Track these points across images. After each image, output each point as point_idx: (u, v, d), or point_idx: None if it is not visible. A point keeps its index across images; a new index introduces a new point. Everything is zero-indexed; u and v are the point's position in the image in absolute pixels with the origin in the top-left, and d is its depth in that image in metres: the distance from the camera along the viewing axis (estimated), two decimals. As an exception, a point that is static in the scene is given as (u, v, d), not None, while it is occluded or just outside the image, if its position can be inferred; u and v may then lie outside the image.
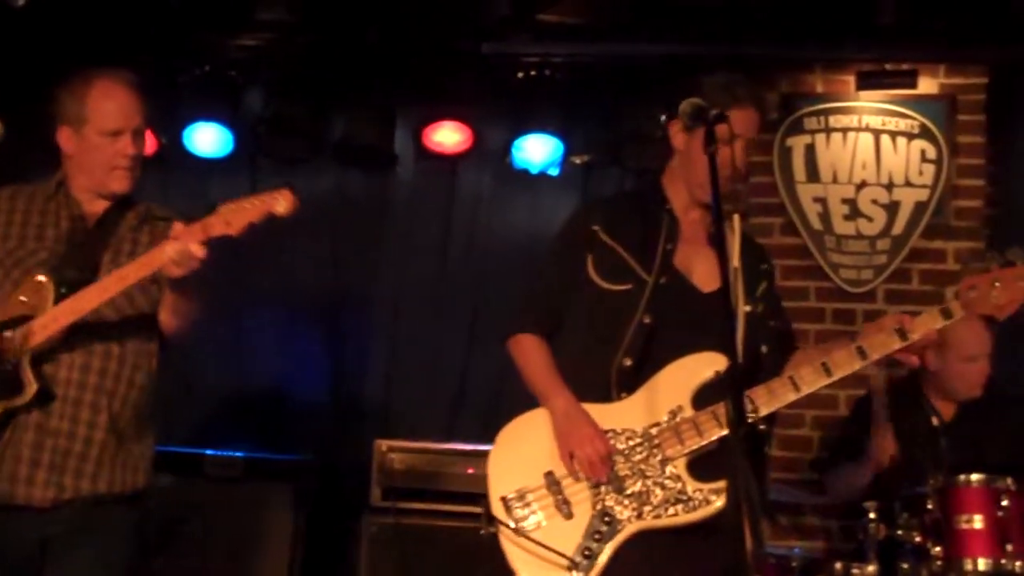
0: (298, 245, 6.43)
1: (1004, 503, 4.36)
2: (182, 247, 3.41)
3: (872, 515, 4.49)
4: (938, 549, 4.35)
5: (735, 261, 3.45)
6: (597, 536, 3.37)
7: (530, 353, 3.66)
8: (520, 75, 6.30)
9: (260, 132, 6.53)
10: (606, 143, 6.36)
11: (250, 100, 6.60)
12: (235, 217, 3.48)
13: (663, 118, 3.71)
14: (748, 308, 3.60)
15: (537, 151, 6.35)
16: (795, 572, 4.75)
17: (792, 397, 3.45)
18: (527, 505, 3.44)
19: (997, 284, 3.38)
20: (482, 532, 3.46)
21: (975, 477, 4.44)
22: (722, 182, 3.41)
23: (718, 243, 3.11)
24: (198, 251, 3.42)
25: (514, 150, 6.39)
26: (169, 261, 3.44)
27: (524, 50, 6.27)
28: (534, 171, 6.40)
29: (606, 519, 3.38)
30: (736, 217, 3.58)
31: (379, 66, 6.43)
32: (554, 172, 6.39)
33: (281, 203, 3.44)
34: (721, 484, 3.35)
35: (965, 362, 5.07)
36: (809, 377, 3.46)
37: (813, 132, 6.27)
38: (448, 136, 6.43)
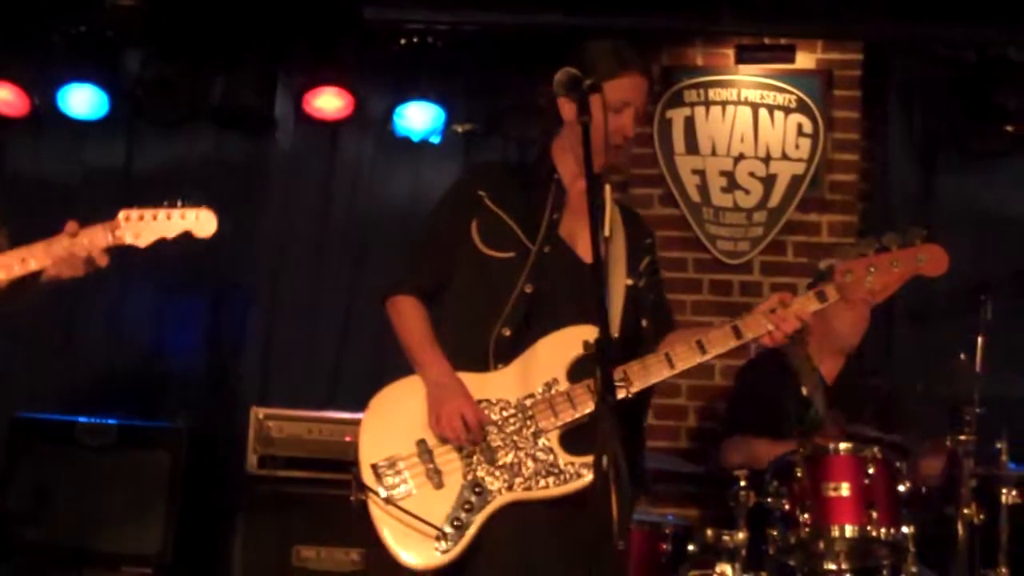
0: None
1: (870, 471, 4.46)
2: (85, 252, 3.30)
3: (743, 483, 4.57)
4: (806, 516, 4.43)
5: (606, 231, 3.43)
6: (467, 507, 3.35)
7: (407, 316, 3.60)
8: (403, 42, 6.28)
9: (137, 94, 6.43)
10: (488, 112, 6.37)
11: (127, 61, 6.48)
12: (146, 231, 3.38)
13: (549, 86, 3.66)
14: (630, 281, 3.59)
15: (418, 119, 6.34)
16: (668, 539, 4.81)
17: (667, 374, 3.44)
18: (398, 473, 3.40)
19: (872, 269, 3.40)
20: (351, 499, 3.43)
21: (843, 446, 4.54)
22: (612, 151, 3.43)
23: (592, 214, 3.11)
24: (101, 259, 3.33)
25: (395, 117, 6.37)
26: (60, 260, 3.34)
27: (407, 17, 6.24)
28: (415, 139, 6.39)
29: (477, 490, 3.36)
30: (607, 188, 3.57)
31: (260, 29, 6.36)
32: (435, 140, 6.39)
33: (203, 227, 3.35)
34: (592, 458, 3.36)
35: (847, 308, 5.17)
36: (684, 354, 3.45)
37: (693, 105, 6.33)
38: (329, 102, 6.37)
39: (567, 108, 3.51)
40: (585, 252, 3.50)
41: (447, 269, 3.62)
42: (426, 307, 3.62)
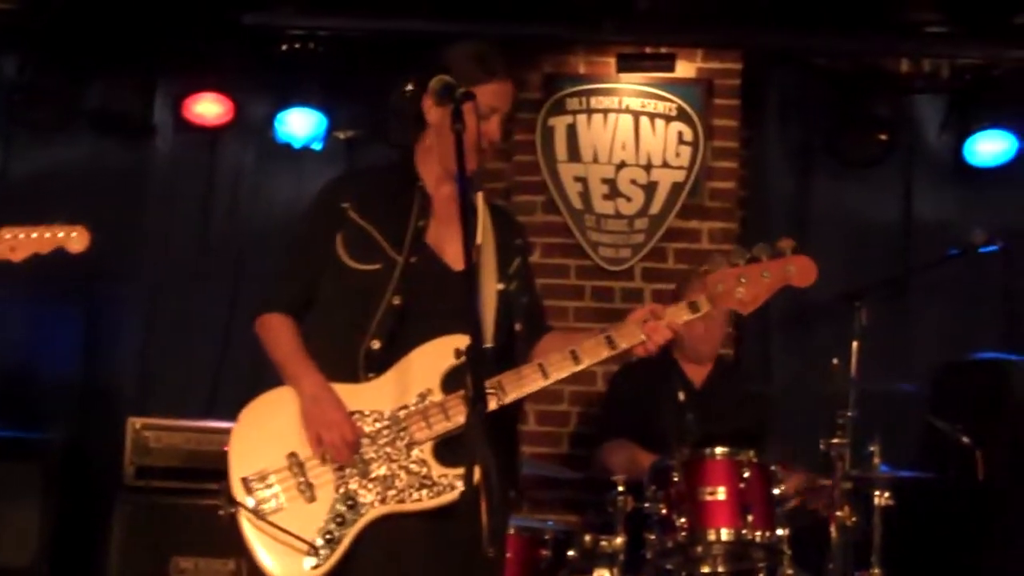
0: (51, 215, 6.20)
1: (746, 475, 4.50)
2: None
3: (620, 488, 4.60)
4: (683, 520, 4.46)
5: (479, 239, 3.42)
6: (339, 520, 3.30)
7: (277, 333, 3.56)
8: (284, 48, 6.25)
9: (13, 99, 6.32)
10: (370, 119, 6.34)
11: (3, 66, 6.37)
12: (22, 245, 3.32)
13: (412, 89, 3.61)
14: (501, 286, 3.57)
15: (300, 125, 6.30)
16: (548, 545, 4.81)
17: (541, 383, 3.41)
18: (269, 487, 3.34)
19: (743, 280, 3.41)
20: (221, 513, 3.37)
21: (719, 450, 4.58)
22: (479, 156, 3.42)
23: (464, 223, 3.09)
24: None
25: (277, 124, 6.32)
26: None
27: (288, 22, 6.21)
28: (297, 146, 6.35)
29: (349, 503, 3.31)
30: (480, 196, 3.56)
31: (139, 34, 6.27)
32: (317, 147, 6.35)
33: (76, 242, 3.28)
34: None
35: (701, 320, 5.22)
36: (558, 364, 3.42)
37: (575, 113, 6.36)
38: (208, 108, 6.32)
39: (434, 112, 3.48)
40: (453, 259, 3.48)
41: (314, 285, 3.57)
42: (295, 323, 3.57)
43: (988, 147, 6.35)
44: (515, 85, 3.60)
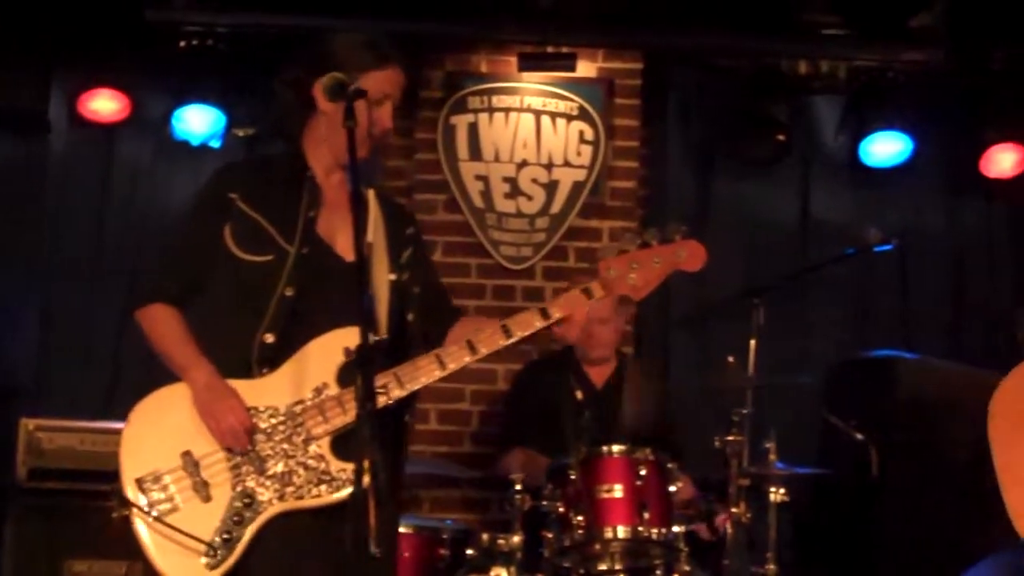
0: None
1: (643, 472, 4.52)
2: None
3: (518, 487, 4.60)
4: (580, 518, 4.47)
5: (370, 235, 3.39)
6: (236, 519, 3.26)
7: (163, 324, 3.48)
8: (182, 44, 6.15)
9: (-95, 93, 6.19)
10: (269, 116, 6.27)
11: None
12: None
13: (299, 76, 3.55)
14: (393, 276, 3.53)
15: (198, 122, 6.22)
16: (446, 544, 4.81)
17: (439, 374, 3.39)
18: (163, 487, 3.30)
19: (635, 265, 3.40)
20: (114, 515, 3.31)
21: (616, 448, 4.60)
22: (370, 144, 3.39)
23: (355, 217, 3.07)
24: None
25: (174, 121, 6.24)
26: None
27: (187, 18, 6.12)
28: (195, 143, 6.27)
29: (246, 501, 3.28)
30: (372, 192, 3.53)
31: (35, 27, 6.16)
32: (216, 144, 6.28)
33: None
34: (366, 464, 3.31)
35: (597, 324, 5.26)
36: (455, 354, 3.40)
37: (476, 111, 6.36)
38: (105, 104, 6.22)
39: (325, 103, 3.41)
40: (345, 250, 3.45)
41: (198, 276, 3.51)
42: (181, 314, 3.51)
43: (883, 148, 6.45)
44: (407, 73, 3.58)
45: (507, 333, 3.43)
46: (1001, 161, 6.46)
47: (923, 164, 6.55)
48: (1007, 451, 3.39)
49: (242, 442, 3.31)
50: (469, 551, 4.75)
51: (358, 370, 2.87)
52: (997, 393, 3.46)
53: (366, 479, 2.77)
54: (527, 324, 3.43)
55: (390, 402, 3.32)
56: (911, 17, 6.32)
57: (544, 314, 3.43)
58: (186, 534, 3.24)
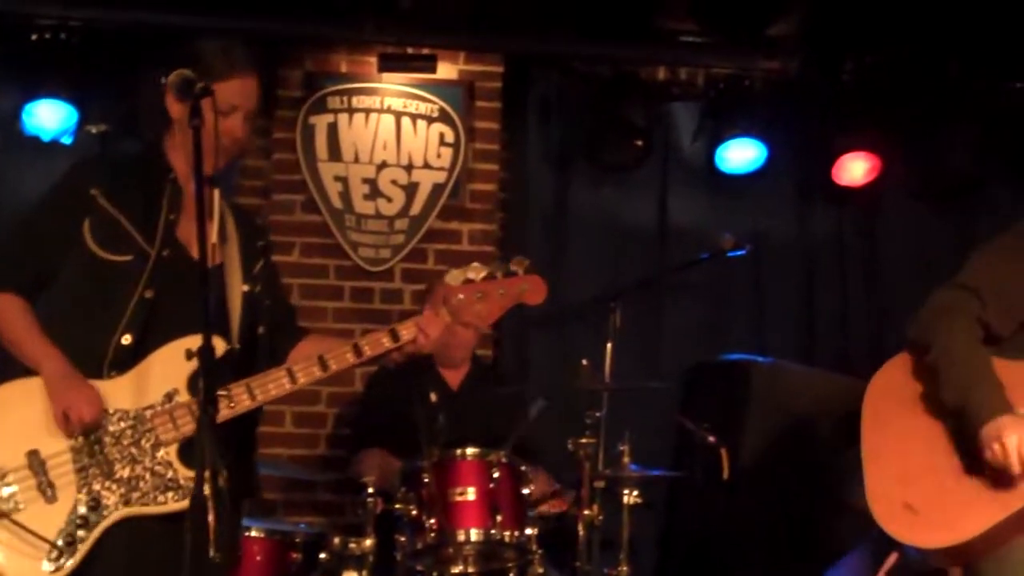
0: None
1: (496, 475, 4.54)
2: None
3: (371, 490, 4.58)
4: (433, 521, 4.47)
5: (213, 236, 3.36)
6: (80, 522, 3.22)
7: (11, 313, 3.40)
8: (34, 37, 6.00)
9: None
10: (122, 112, 6.16)
11: None
12: None
13: (160, 82, 3.53)
14: (246, 287, 3.54)
15: (49, 118, 6.06)
16: (299, 548, 4.76)
17: (289, 388, 3.42)
18: (7, 485, 3.23)
19: (479, 295, 3.50)
20: None
21: (469, 451, 4.61)
22: (222, 154, 3.35)
23: (199, 222, 3.04)
24: None
25: (24, 116, 6.08)
26: None
27: (39, 11, 5.98)
28: (46, 139, 6.11)
29: (92, 504, 3.23)
30: (216, 192, 3.49)
31: None
32: (67, 141, 6.13)
33: None
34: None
35: (460, 327, 5.26)
36: (307, 370, 3.44)
37: (336, 111, 6.32)
38: (-48, 98, 6.04)
39: (176, 107, 3.42)
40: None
41: (50, 268, 3.44)
42: (30, 305, 3.43)
43: (738, 154, 6.53)
44: (261, 81, 3.55)
45: (358, 353, 3.49)
46: (852, 169, 6.59)
47: (777, 171, 6.65)
48: (872, 436, 3.51)
49: (93, 417, 3.25)
50: (322, 555, 4.71)
51: (200, 373, 2.85)
52: (875, 377, 3.59)
53: (206, 485, 2.74)
54: (377, 344, 3.50)
55: (237, 413, 3.31)
56: (768, 27, 6.43)
57: (393, 335, 3.51)
58: (32, 532, 3.19)
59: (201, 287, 2.97)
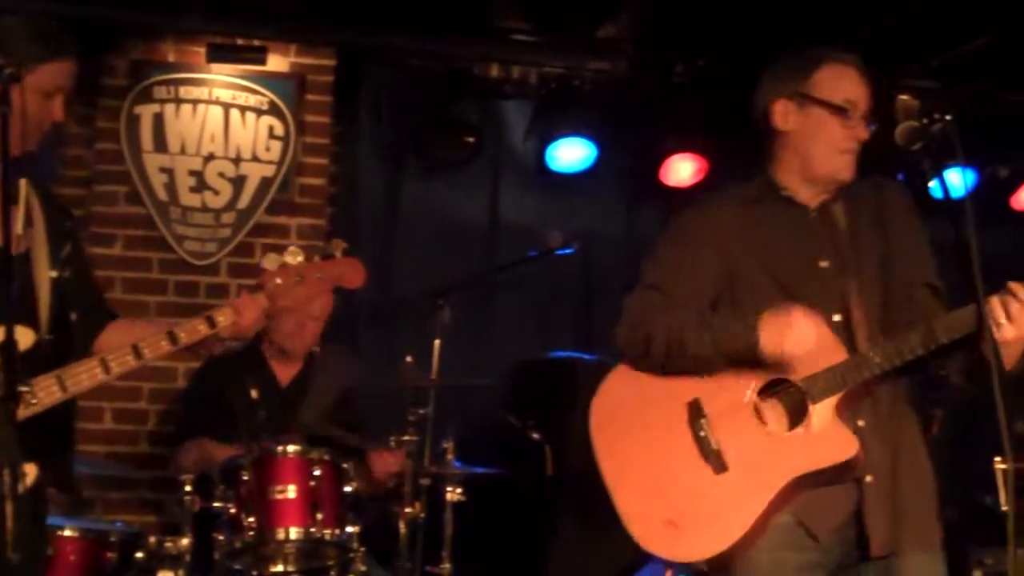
0: None
1: (317, 473, 4.50)
2: None
3: (188, 488, 4.50)
4: (252, 519, 4.42)
5: (19, 228, 3.25)
6: None
7: None
8: None
9: None
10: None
11: None
12: None
13: None
14: (54, 273, 3.41)
15: None
16: (114, 547, 4.64)
17: (103, 378, 3.31)
18: None
19: (298, 278, 3.47)
20: None
21: (291, 448, 4.56)
22: (36, 138, 3.25)
23: (4, 210, 2.94)
24: None
25: None
26: None
27: None
28: None
29: None
30: (23, 182, 3.39)
31: None
32: None
33: None
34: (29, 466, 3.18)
35: (311, 320, 5.27)
36: (121, 359, 3.33)
37: (163, 102, 6.18)
38: None
39: None
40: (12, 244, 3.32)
41: None
42: None
43: (568, 153, 6.58)
44: (78, 62, 3.45)
45: (173, 340, 3.39)
46: (679, 170, 6.69)
47: (606, 170, 6.72)
48: (612, 458, 3.48)
49: None
50: (138, 554, 4.60)
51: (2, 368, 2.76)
52: (595, 402, 3.57)
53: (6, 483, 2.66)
54: (194, 331, 3.41)
55: (46, 406, 3.21)
56: (598, 28, 6.49)
57: (210, 322, 3.41)
58: None
59: (1, 273, 2.87)
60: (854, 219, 3.47)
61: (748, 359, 3.28)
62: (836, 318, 3.31)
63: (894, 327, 3.31)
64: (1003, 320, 3.11)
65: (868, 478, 3.29)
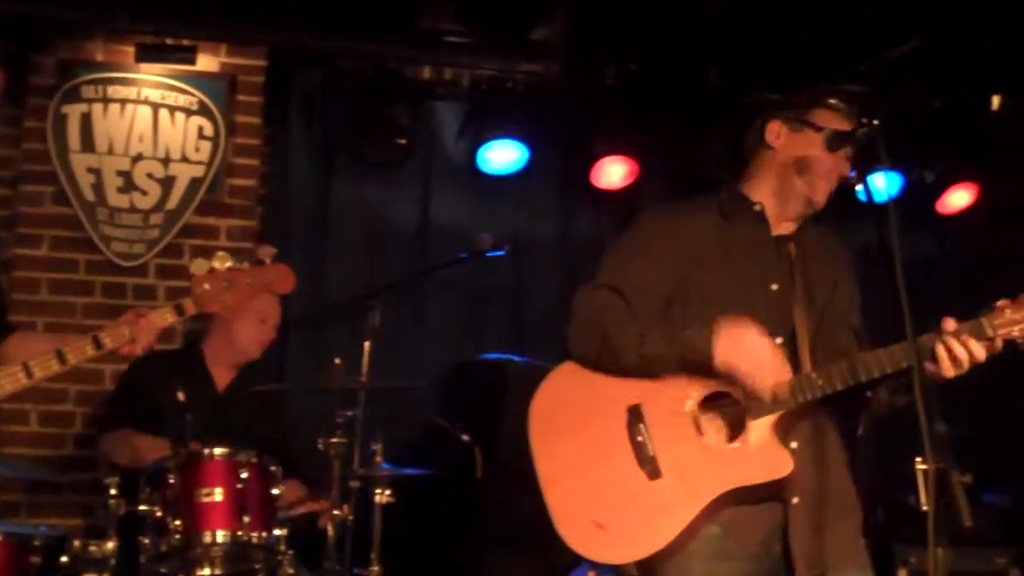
0: None
1: (244, 476, 4.45)
2: None
3: (113, 491, 4.45)
4: (178, 523, 4.37)
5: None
6: None
7: None
8: None
9: None
10: None
11: None
12: None
13: None
14: None
15: None
16: (38, 552, 4.58)
17: (26, 383, 3.39)
18: None
19: (227, 284, 3.51)
20: None
21: (217, 451, 4.50)
22: None
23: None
24: None
25: None
26: None
27: None
28: None
29: None
30: None
31: None
32: None
33: None
34: None
35: (257, 322, 5.23)
36: (44, 364, 3.41)
37: (91, 101, 6.12)
38: None
39: None
40: None
41: None
42: None
43: (500, 156, 6.59)
44: (9, 72, 3.45)
45: (97, 345, 3.49)
46: (610, 173, 6.72)
47: (538, 172, 6.74)
48: (546, 463, 3.49)
49: None
50: (62, 558, 4.55)
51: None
52: (535, 402, 3.58)
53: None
54: (118, 336, 3.54)
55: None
56: (531, 30, 6.51)
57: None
58: None
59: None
60: (805, 253, 3.57)
61: (697, 366, 3.32)
62: (779, 340, 3.37)
63: (824, 357, 3.40)
64: (951, 369, 3.19)
65: (795, 500, 3.35)
